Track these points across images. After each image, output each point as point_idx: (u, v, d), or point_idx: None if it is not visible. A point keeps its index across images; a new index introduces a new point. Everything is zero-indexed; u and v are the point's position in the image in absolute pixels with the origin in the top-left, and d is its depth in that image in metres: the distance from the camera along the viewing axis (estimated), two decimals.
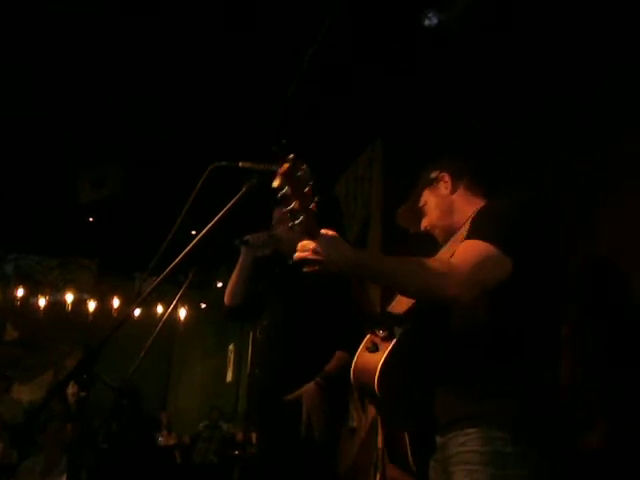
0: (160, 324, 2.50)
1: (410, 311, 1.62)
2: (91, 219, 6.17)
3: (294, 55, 3.39)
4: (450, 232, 1.74)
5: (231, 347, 9.21)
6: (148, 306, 7.67)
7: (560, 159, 2.46)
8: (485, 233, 1.48)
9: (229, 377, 9.14)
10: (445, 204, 1.75)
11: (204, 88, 3.91)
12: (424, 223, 1.81)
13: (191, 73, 3.80)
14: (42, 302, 8.07)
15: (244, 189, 1.52)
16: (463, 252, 1.47)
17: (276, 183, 1.27)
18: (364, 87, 3.65)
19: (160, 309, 7.89)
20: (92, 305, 8.18)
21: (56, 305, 8.00)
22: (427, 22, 3.01)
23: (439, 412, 1.57)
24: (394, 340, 1.58)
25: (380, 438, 1.74)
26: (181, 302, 8.09)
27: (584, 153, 2.36)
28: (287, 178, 1.27)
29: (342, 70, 3.56)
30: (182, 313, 8.62)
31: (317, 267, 1.39)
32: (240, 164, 1.54)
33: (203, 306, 8.84)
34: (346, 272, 1.42)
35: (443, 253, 1.70)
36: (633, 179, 2.11)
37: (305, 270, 1.39)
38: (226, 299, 2.52)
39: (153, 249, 1.55)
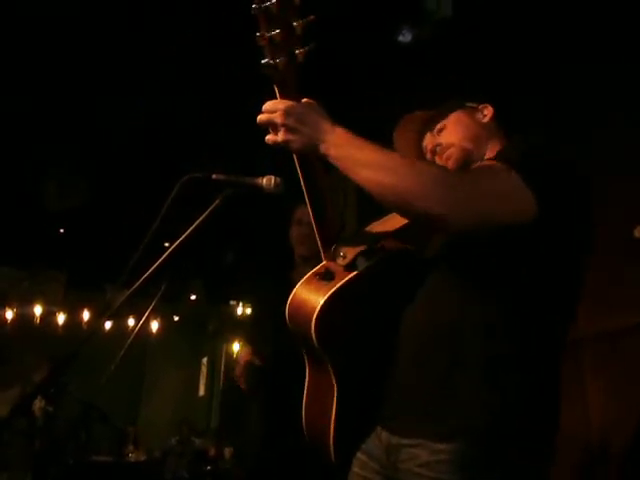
0: (131, 337, 2.47)
1: (395, 239, 1.21)
2: (62, 230, 6.07)
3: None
4: (464, 161, 1.42)
5: (204, 361, 9.11)
6: (119, 319, 7.54)
7: None
8: (508, 159, 1.15)
9: (202, 391, 9.03)
10: (478, 130, 1.45)
11: (177, 98, 3.90)
12: (439, 139, 1.46)
13: (165, 81, 3.79)
14: (9, 315, 7.88)
15: (217, 201, 1.51)
16: (476, 170, 1.18)
17: None
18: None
19: (131, 322, 7.76)
20: (61, 318, 8.02)
21: (24, 318, 7.81)
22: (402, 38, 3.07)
23: (398, 397, 1.17)
24: (356, 272, 1.13)
25: None
26: (153, 315, 7.97)
27: None
28: None
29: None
30: (154, 326, 8.50)
31: (283, 137, 1.06)
32: (214, 176, 1.53)
33: (176, 319, 8.74)
34: (316, 150, 1.07)
35: None
36: None
37: (267, 140, 1.07)
38: None
39: (124, 260, 1.53)
